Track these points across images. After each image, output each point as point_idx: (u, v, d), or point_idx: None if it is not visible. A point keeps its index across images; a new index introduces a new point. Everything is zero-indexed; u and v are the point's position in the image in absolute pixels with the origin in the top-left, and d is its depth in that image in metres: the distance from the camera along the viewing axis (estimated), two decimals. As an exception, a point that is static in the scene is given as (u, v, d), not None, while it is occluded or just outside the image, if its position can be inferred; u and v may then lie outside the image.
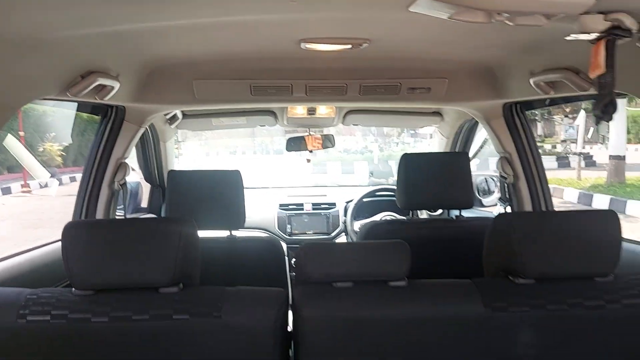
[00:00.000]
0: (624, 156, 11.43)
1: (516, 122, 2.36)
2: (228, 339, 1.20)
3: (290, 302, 1.31)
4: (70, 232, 1.22)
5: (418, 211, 3.15)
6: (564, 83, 1.64)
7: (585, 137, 13.54)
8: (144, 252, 1.21)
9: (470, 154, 3.11)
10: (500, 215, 1.35)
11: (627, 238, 1.45)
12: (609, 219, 1.29)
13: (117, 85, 1.70)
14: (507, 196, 2.47)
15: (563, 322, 1.24)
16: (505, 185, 2.45)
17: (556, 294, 1.24)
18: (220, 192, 2.06)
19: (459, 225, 2.26)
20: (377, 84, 2.07)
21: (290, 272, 2.74)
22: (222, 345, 1.20)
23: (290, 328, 1.30)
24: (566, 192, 10.90)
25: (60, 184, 13.01)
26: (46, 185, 12.76)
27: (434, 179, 2.19)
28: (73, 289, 1.23)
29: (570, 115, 17.48)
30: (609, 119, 1.03)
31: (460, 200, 2.22)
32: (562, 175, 12.84)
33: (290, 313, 1.30)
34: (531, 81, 1.80)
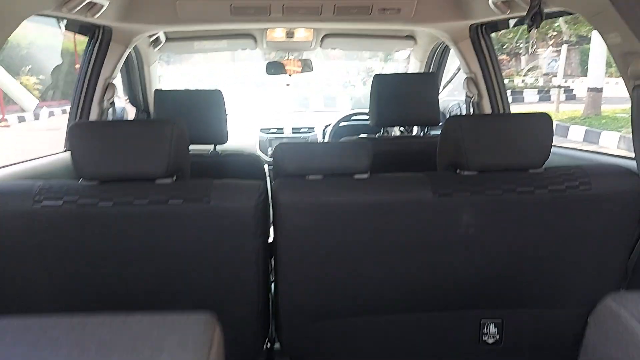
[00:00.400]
0: (601, 88, 11.64)
1: (481, 43, 2.53)
2: (216, 220, 1.41)
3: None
4: (76, 130, 1.39)
5: (393, 133, 3.35)
6: (516, 3, 1.80)
7: (564, 68, 13.67)
8: (142, 148, 1.39)
9: (445, 81, 3.29)
10: (450, 117, 1.55)
11: (557, 145, 1.68)
12: (543, 121, 1.50)
13: (106, 3, 1.81)
14: (472, 114, 2.67)
15: (498, 206, 1.47)
16: (471, 104, 2.65)
17: (494, 182, 1.47)
18: (204, 110, 2.22)
19: (423, 141, 2.47)
20: (350, 4, 2.20)
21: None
22: (211, 225, 1.41)
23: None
24: (543, 124, 11.15)
25: (37, 119, 12.86)
26: (24, 120, 12.64)
27: (403, 97, 2.37)
28: (80, 180, 1.42)
29: (553, 49, 17.51)
30: (537, 26, 1.20)
31: (427, 117, 2.42)
32: (541, 108, 13.11)
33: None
34: (490, 2, 1.95)
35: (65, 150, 2.32)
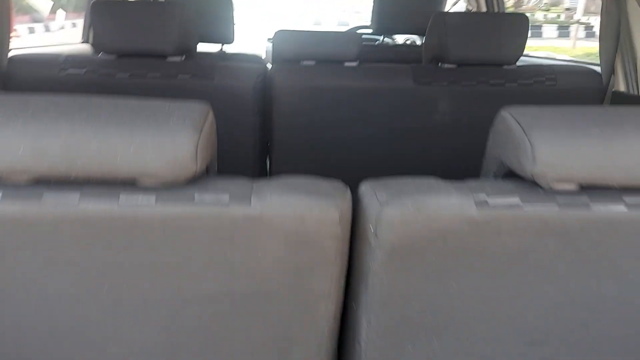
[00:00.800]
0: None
1: None
2: (219, 96, 1.59)
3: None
4: (97, 6, 1.54)
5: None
6: None
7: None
8: (155, 26, 1.55)
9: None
10: (436, 13, 1.68)
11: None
12: (519, 21, 1.63)
13: None
14: None
15: (472, 96, 1.64)
16: None
17: (470, 75, 1.62)
18: (213, 8, 2.35)
19: (420, 50, 2.59)
20: None
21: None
22: (214, 101, 1.58)
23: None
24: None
25: (47, 30, 12.75)
26: (34, 32, 12.54)
27: (405, 4, 2.47)
28: (100, 53, 1.59)
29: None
30: None
31: (426, 26, 2.53)
32: (560, 44, 12.83)
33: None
34: None
35: (82, 42, 2.47)
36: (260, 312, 0.76)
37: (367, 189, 0.75)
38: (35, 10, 11.94)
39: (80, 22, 2.54)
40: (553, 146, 0.67)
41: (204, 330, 0.77)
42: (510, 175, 0.75)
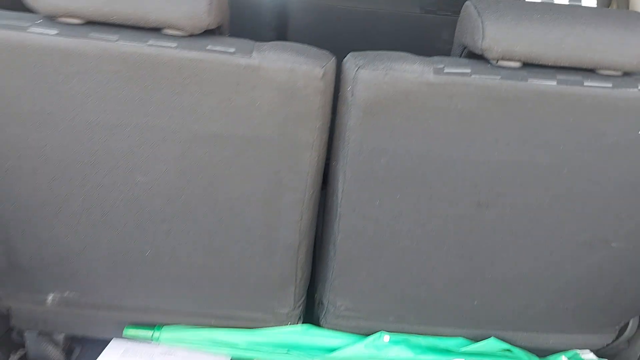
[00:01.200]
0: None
1: None
2: (237, 9, 1.72)
3: None
4: None
5: None
6: None
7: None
8: None
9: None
10: None
11: None
12: None
13: None
14: None
15: None
16: None
17: None
18: None
19: None
20: None
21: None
22: (232, 14, 1.75)
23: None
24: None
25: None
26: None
27: None
28: None
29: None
30: None
31: None
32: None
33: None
34: None
35: None
36: (256, 156, 0.94)
37: (350, 58, 0.91)
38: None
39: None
40: (500, 25, 0.81)
41: (210, 169, 0.95)
42: (469, 56, 0.90)
